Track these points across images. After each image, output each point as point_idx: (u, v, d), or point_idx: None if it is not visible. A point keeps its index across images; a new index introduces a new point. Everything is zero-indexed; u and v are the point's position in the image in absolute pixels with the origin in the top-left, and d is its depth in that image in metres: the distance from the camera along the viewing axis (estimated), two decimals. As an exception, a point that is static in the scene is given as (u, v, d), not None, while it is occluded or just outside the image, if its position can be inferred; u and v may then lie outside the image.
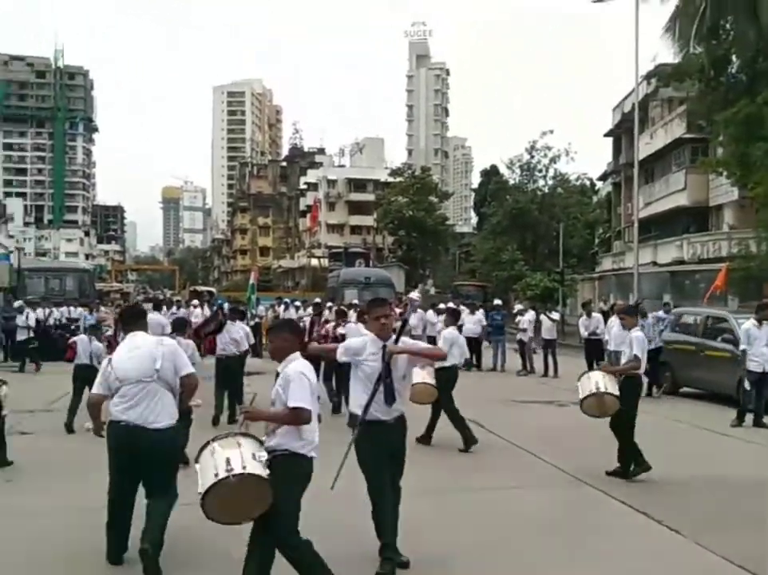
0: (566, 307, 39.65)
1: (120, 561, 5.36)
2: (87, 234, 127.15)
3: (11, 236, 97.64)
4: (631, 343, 8.29)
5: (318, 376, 5.40)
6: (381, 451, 5.21)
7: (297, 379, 4.52)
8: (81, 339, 11.56)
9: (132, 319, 5.74)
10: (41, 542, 6.01)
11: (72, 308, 22.02)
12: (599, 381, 8.19)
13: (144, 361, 5.35)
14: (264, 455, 4.41)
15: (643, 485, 7.98)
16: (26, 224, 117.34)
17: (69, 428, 10.61)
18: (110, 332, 12.77)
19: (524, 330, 19.23)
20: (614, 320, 15.54)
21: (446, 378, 9.82)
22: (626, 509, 7.12)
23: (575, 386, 8.65)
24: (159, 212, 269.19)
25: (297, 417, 4.46)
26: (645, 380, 8.74)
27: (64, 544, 5.95)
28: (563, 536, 6.29)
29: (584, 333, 16.92)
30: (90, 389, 10.26)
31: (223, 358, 11.75)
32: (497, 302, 21.61)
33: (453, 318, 11.09)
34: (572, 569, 5.57)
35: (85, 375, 10.49)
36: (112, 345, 11.78)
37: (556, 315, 19.57)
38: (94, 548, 5.56)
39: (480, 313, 20.23)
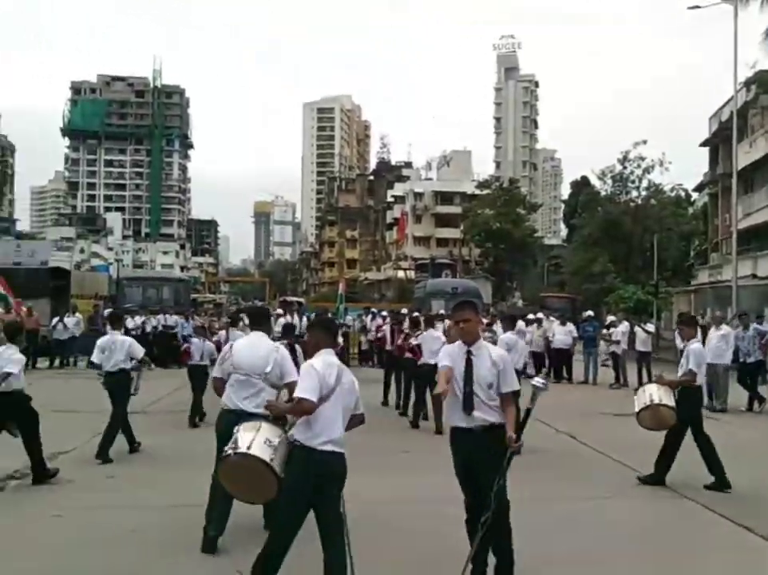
0: (660, 321, 38.46)
1: (214, 549, 5.53)
2: (182, 247, 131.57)
3: (110, 249, 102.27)
4: (687, 355, 8.21)
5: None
6: (456, 459, 5.13)
7: (305, 371, 4.62)
8: (194, 342, 12.46)
9: (258, 319, 6.32)
10: (143, 534, 6.23)
11: (168, 316, 22.75)
12: (654, 393, 8.11)
13: (259, 361, 5.86)
14: (276, 442, 4.57)
15: (744, 500, 7.68)
16: (125, 237, 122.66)
17: (192, 422, 11.60)
18: (216, 338, 13.38)
19: (618, 342, 18.79)
20: (712, 332, 15.09)
21: None
22: (724, 521, 6.86)
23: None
24: (250, 226, 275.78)
25: (299, 407, 4.51)
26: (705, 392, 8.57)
27: (162, 536, 6.15)
28: (656, 546, 6.14)
29: (680, 345, 16.36)
30: (200, 383, 11.42)
31: None
32: (589, 313, 21.18)
33: (511, 323, 11.53)
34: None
35: (200, 373, 11.66)
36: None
37: (651, 327, 19.00)
38: (193, 540, 5.74)
39: (570, 324, 19.90)
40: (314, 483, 4.43)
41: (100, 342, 9.56)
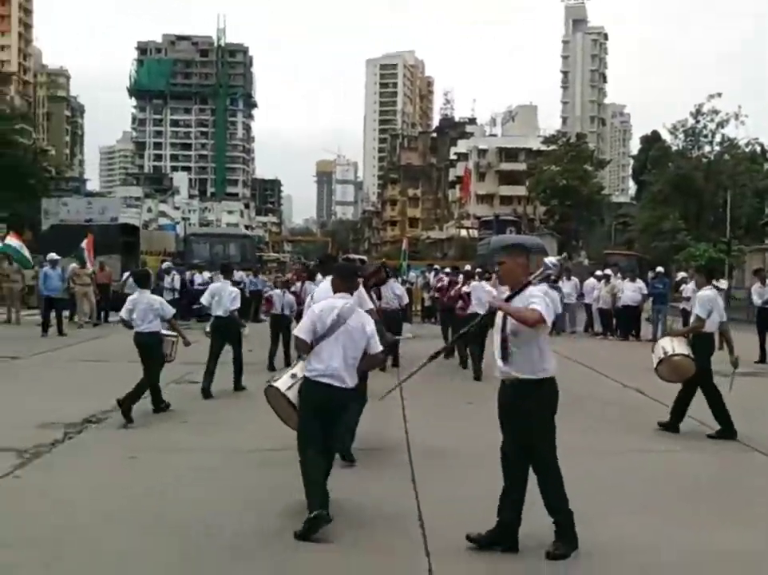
0: (732, 279, 37.39)
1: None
2: (247, 206, 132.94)
3: (177, 208, 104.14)
4: (696, 302, 8.30)
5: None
6: (499, 408, 4.82)
7: (307, 312, 5.37)
8: (276, 293, 13.25)
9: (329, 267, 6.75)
10: (215, 474, 6.41)
11: (235, 272, 23.05)
12: (666, 346, 8.22)
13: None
14: (300, 375, 5.36)
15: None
16: (191, 197, 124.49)
17: (270, 365, 12.32)
18: (294, 289, 14.19)
19: (688, 299, 18.29)
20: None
21: None
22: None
23: (741, 358, 8.36)
24: (313, 185, 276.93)
25: (296, 343, 5.34)
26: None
27: (235, 477, 6.33)
28: (721, 498, 6.09)
29: (758, 301, 15.86)
30: (284, 335, 12.28)
31: (386, 311, 12.26)
32: (659, 269, 20.67)
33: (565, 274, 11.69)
34: (725, 531, 5.29)
35: (281, 323, 12.61)
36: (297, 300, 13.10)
37: (723, 284, 18.47)
38: (257, 483, 5.88)
39: (640, 281, 19.53)
40: (314, 408, 5.11)
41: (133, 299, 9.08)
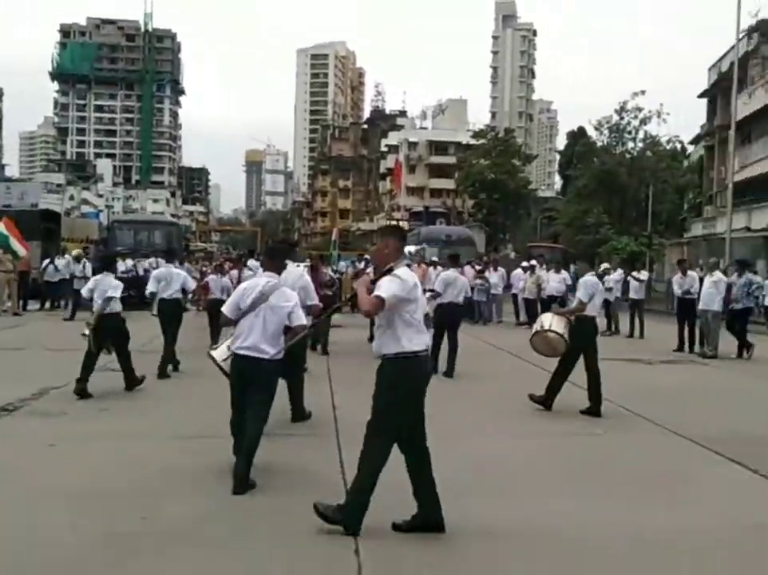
0: (653, 272, 38.57)
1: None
2: (173, 195, 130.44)
3: (101, 196, 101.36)
4: (579, 287, 8.95)
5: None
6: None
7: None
8: (212, 279, 14.02)
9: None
10: (135, 463, 6.27)
11: (159, 260, 22.61)
12: (546, 321, 9.02)
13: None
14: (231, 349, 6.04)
15: (738, 438, 7.78)
16: (115, 184, 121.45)
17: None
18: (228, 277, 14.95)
19: (610, 289, 18.80)
20: (705, 279, 15.18)
21: (440, 314, 11.53)
22: (716, 457, 6.95)
23: (660, 346, 8.64)
24: (242, 174, 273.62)
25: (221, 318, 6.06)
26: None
27: (155, 464, 6.21)
28: (638, 479, 6.27)
29: (678, 292, 16.41)
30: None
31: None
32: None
33: (453, 262, 12.63)
34: (654, 512, 5.46)
35: (217, 306, 12.09)
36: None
37: (644, 275, 19.04)
38: (183, 467, 5.79)
39: (565, 272, 19.94)
40: (237, 377, 5.73)
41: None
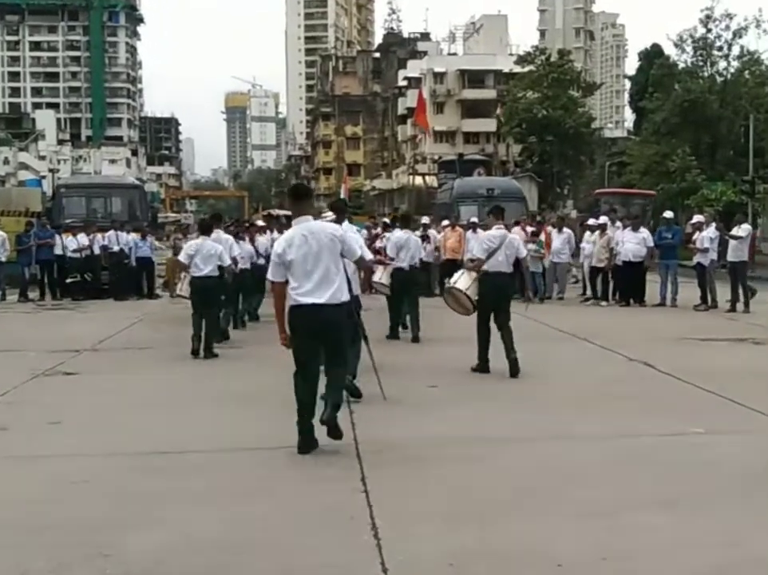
0: (757, 228, 38.15)
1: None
2: (135, 153, 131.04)
3: (42, 157, 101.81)
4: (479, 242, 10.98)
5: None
6: None
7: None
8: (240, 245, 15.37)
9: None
10: (85, 485, 6.22)
11: (121, 234, 22.59)
12: (455, 277, 10.96)
13: None
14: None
15: None
16: (60, 142, 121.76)
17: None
18: None
19: (705, 250, 18.52)
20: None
21: (396, 279, 13.28)
22: None
23: None
24: (221, 125, 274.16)
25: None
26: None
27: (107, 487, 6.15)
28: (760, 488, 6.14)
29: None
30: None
31: None
32: (668, 214, 20.83)
33: (405, 223, 14.84)
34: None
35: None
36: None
37: (743, 230, 18.59)
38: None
39: (645, 230, 19.63)
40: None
41: None
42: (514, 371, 10.29)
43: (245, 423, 8.04)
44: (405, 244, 13.68)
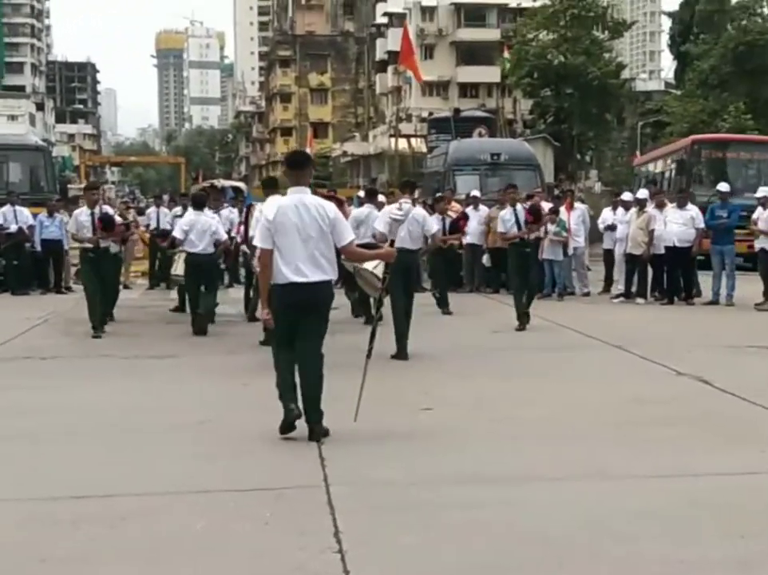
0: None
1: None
2: (40, 108, 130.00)
3: None
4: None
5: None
6: None
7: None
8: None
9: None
10: None
11: (19, 209, 22.32)
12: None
13: None
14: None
15: None
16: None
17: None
18: None
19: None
20: None
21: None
22: None
23: None
24: (152, 72, 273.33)
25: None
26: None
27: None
28: None
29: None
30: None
31: None
32: (723, 186, 20.64)
33: (369, 197, 17.02)
34: None
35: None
36: None
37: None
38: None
39: (693, 207, 19.53)
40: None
41: None
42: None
43: (183, 459, 7.85)
44: (364, 220, 15.22)
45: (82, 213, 15.90)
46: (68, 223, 22.94)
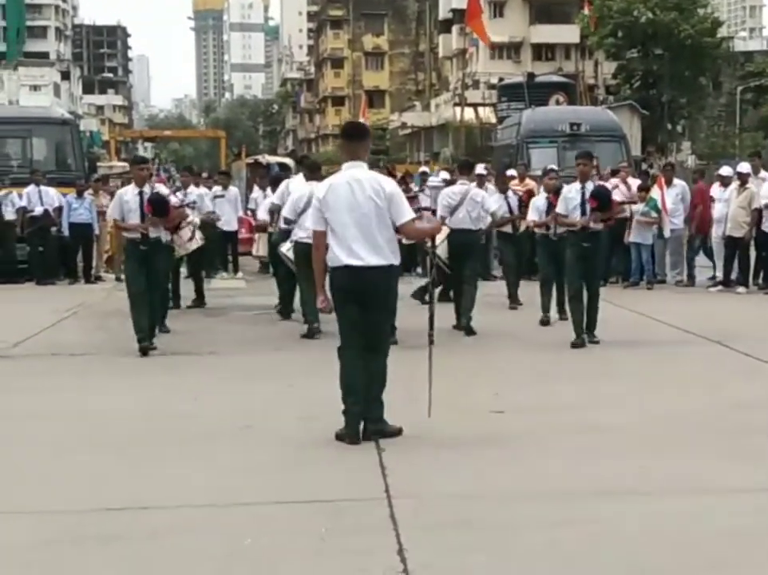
0: None
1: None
2: (66, 77, 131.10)
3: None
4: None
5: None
6: None
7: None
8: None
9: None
10: None
11: (44, 189, 22.47)
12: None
13: None
14: None
15: None
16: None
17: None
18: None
19: None
20: None
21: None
22: None
23: None
24: (189, 36, 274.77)
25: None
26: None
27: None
28: None
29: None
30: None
31: None
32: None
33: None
34: None
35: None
36: None
37: None
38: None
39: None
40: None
41: None
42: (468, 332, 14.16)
43: (232, 469, 7.81)
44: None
45: (128, 192, 13.84)
46: (105, 205, 23.06)
